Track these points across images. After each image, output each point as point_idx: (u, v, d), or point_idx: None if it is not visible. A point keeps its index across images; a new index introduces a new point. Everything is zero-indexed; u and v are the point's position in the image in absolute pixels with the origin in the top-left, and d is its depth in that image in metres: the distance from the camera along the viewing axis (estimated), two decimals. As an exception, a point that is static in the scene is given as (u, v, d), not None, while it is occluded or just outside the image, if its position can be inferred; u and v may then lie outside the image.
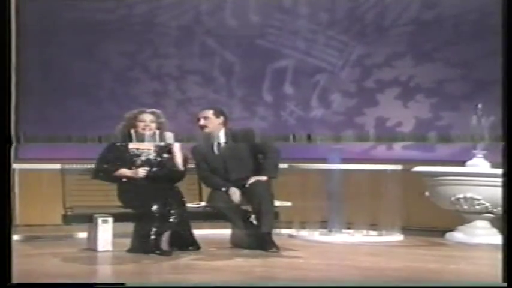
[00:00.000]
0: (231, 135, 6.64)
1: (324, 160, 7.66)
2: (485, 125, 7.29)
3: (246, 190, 6.46)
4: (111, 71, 8.77)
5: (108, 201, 6.51)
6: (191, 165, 6.63)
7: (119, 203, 6.43)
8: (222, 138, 6.61)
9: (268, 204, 6.40)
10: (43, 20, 8.48)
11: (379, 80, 8.72)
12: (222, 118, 6.64)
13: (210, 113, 6.63)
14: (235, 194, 6.47)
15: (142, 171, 6.35)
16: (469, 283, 4.93)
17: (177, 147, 6.44)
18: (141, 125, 6.38)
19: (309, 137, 7.52)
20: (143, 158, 6.43)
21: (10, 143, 3.71)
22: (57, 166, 6.86)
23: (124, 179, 6.38)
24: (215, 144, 6.64)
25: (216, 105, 7.11)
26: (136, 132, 6.35)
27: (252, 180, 6.46)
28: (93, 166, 6.54)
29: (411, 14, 8.52)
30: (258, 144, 6.64)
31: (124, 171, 6.37)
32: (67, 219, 6.50)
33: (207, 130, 6.58)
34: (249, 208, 6.55)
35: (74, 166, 6.83)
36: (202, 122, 6.60)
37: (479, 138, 7.36)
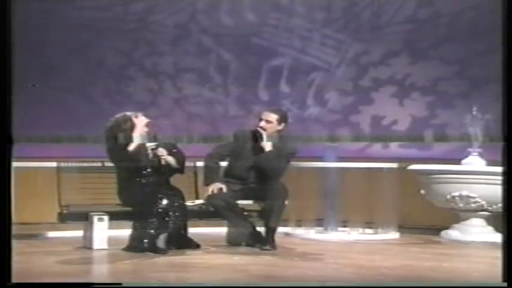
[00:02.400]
0: (283, 141, 6.62)
1: (319, 158, 7.67)
2: (480, 123, 7.31)
3: (262, 188, 6.48)
4: (107, 69, 8.75)
5: (104, 199, 6.51)
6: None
7: (114, 201, 6.43)
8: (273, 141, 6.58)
9: (281, 203, 6.46)
10: (38, 18, 8.46)
11: (375, 78, 8.72)
12: (283, 125, 6.60)
13: (274, 117, 6.57)
14: None
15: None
16: (469, 283, 4.94)
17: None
18: (141, 126, 6.39)
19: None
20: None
21: (10, 143, 3.70)
22: (53, 164, 6.85)
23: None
24: (259, 145, 6.56)
25: (281, 109, 7.12)
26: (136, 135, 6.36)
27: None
28: (90, 164, 6.65)
29: (407, 12, 8.53)
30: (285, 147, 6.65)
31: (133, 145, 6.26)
32: (63, 217, 6.50)
33: (263, 132, 6.55)
34: (260, 205, 6.59)
35: (70, 164, 6.82)
36: (262, 123, 6.56)
37: (475, 137, 7.38)
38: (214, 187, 6.46)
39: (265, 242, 6.43)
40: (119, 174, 6.37)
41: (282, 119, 6.62)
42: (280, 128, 6.60)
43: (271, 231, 6.45)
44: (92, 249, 6.28)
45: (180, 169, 6.49)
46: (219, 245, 6.61)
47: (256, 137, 6.57)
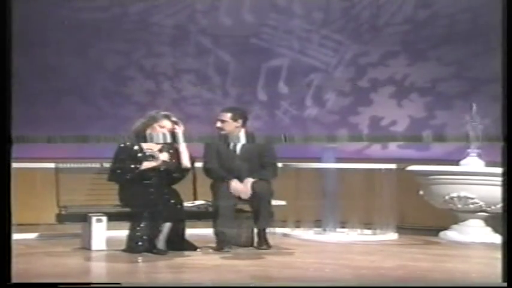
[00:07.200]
0: (249, 137, 6.77)
1: (318, 159, 7.67)
2: (479, 124, 7.31)
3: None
4: (105, 70, 8.75)
5: (103, 200, 6.50)
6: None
7: (113, 202, 6.42)
8: (241, 139, 6.69)
9: (266, 203, 6.50)
10: (38, 19, 8.46)
11: (373, 79, 8.73)
12: (240, 121, 6.68)
13: (227, 116, 6.68)
14: (236, 184, 6.50)
15: (163, 156, 6.36)
16: (469, 283, 4.94)
17: (183, 146, 6.48)
18: (158, 127, 6.41)
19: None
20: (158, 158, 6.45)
21: (10, 143, 3.70)
22: (52, 165, 6.84)
23: (129, 176, 6.34)
24: (231, 144, 6.70)
25: (237, 106, 7.21)
26: (151, 133, 6.38)
27: (254, 180, 6.55)
28: (88, 165, 6.63)
29: (405, 13, 8.53)
30: (264, 145, 6.71)
31: (147, 164, 6.35)
32: (61, 218, 6.49)
33: (222, 132, 6.66)
34: (247, 206, 6.62)
35: (68, 165, 6.82)
36: (219, 124, 6.68)
37: (473, 137, 7.38)
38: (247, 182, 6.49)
39: (259, 242, 6.51)
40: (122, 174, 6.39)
41: (236, 116, 6.69)
42: (238, 124, 6.67)
43: (261, 231, 6.53)
44: (91, 250, 6.28)
45: (179, 178, 6.49)
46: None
47: (224, 138, 6.71)
